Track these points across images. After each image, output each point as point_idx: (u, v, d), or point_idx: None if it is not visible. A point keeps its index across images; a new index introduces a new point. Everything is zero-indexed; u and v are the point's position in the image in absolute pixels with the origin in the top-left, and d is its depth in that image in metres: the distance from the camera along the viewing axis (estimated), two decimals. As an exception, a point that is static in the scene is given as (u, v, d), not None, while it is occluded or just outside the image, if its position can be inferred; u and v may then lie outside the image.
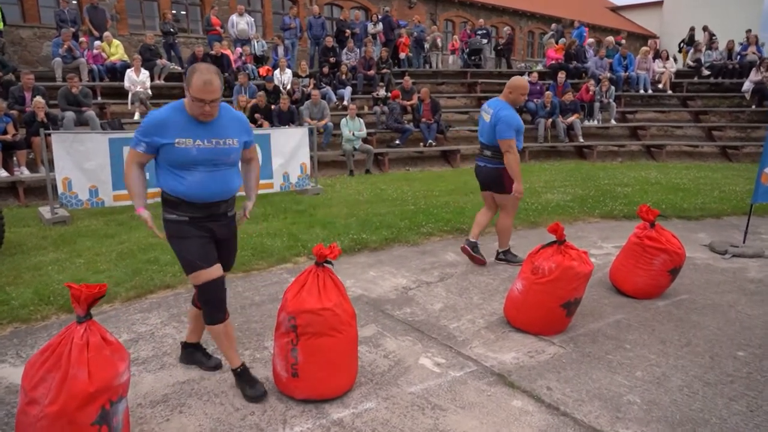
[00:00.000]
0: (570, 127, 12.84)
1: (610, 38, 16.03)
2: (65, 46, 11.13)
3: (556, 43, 16.11)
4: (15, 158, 8.07)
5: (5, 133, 7.99)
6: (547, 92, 12.95)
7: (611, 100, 13.54)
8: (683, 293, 4.43)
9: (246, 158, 3.01)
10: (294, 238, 5.76)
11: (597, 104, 13.46)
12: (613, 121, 13.76)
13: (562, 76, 13.54)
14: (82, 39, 11.86)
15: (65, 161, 6.29)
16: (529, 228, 6.58)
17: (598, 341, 3.56)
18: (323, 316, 2.72)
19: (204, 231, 2.73)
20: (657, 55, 15.60)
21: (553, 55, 15.89)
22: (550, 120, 12.69)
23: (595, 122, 13.53)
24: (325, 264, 2.86)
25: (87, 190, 6.50)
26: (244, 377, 2.87)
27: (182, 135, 2.60)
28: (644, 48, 15.44)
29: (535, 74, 13.87)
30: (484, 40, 16.51)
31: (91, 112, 9.30)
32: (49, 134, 6.42)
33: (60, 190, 6.37)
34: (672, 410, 2.79)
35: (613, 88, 13.73)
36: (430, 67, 17.17)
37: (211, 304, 2.76)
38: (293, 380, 2.79)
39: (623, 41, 16.80)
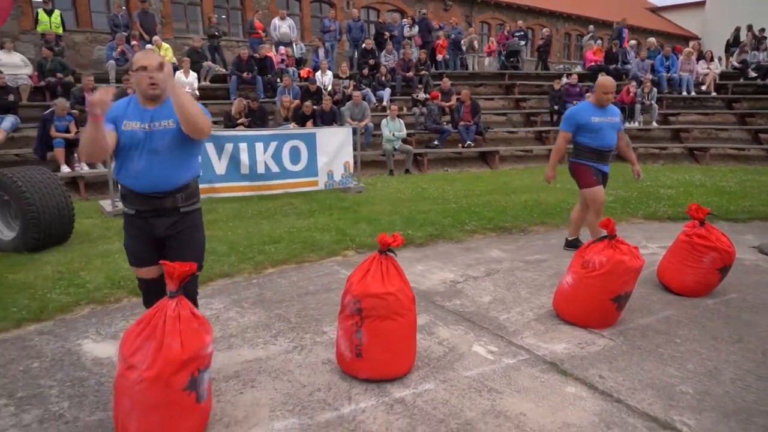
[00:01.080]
0: (610, 129, 12.72)
1: (652, 39, 15.81)
2: (119, 50, 11.63)
3: (595, 44, 15.95)
4: (76, 155, 8.50)
5: (67, 131, 8.44)
6: (588, 94, 12.85)
7: (653, 102, 13.38)
8: (732, 292, 4.44)
9: None
10: (342, 233, 5.95)
11: (638, 106, 13.32)
12: (654, 123, 13.58)
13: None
14: (133, 43, 12.36)
15: (126, 157, 6.62)
16: (572, 227, 6.60)
17: (647, 335, 3.63)
18: (387, 300, 2.88)
19: (145, 229, 2.77)
20: (700, 56, 15.32)
21: (592, 57, 15.77)
22: (590, 122, 12.60)
23: (636, 124, 13.39)
24: (387, 252, 3.02)
25: (145, 185, 6.83)
26: None
27: (130, 118, 2.65)
28: (687, 49, 15.20)
29: (575, 76, 13.81)
30: (522, 42, 16.48)
31: (144, 112, 9.69)
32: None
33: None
34: (725, 401, 2.85)
35: (655, 89, 13.56)
36: (466, 69, 17.24)
37: (143, 294, 3.00)
38: (357, 360, 2.96)
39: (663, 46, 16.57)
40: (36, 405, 2.78)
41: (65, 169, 8.25)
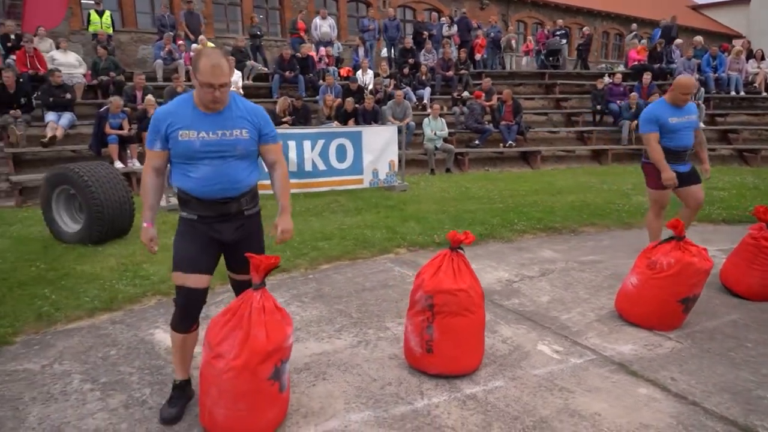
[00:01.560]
0: (655, 130, 12.45)
1: (699, 38, 15.40)
2: (166, 49, 11.91)
3: (639, 43, 15.62)
4: (128, 151, 8.75)
5: (121, 127, 8.70)
6: (632, 93, 12.64)
7: (700, 102, 13.03)
8: (800, 297, 4.31)
9: (268, 162, 2.68)
10: (392, 231, 5.99)
11: (684, 106, 12.97)
12: (701, 124, 13.17)
13: (647, 77, 13.16)
14: (179, 42, 12.65)
15: (180, 154, 6.79)
16: (624, 229, 6.51)
17: (716, 339, 3.56)
18: (459, 297, 2.90)
19: (207, 235, 2.56)
20: (750, 54, 14.86)
21: (635, 56, 15.44)
22: (635, 122, 12.35)
23: (682, 125, 13.04)
24: (458, 249, 3.04)
25: (197, 181, 6.99)
26: (173, 392, 2.69)
27: (188, 127, 2.44)
28: (737, 48, 14.75)
29: (619, 75, 13.57)
30: (563, 41, 16.26)
31: (191, 110, 9.93)
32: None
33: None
34: (806, 407, 2.78)
35: (702, 89, 13.21)
36: (503, 68, 17.10)
37: (178, 308, 2.60)
38: (427, 356, 2.98)
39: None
40: (119, 390, 2.89)
41: (118, 164, 8.49)
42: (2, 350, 3.36)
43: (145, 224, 2.60)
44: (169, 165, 2.59)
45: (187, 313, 2.59)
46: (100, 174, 5.39)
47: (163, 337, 3.54)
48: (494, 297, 4.26)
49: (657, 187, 4.84)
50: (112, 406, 2.74)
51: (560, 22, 17.73)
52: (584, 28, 17.30)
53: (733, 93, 14.35)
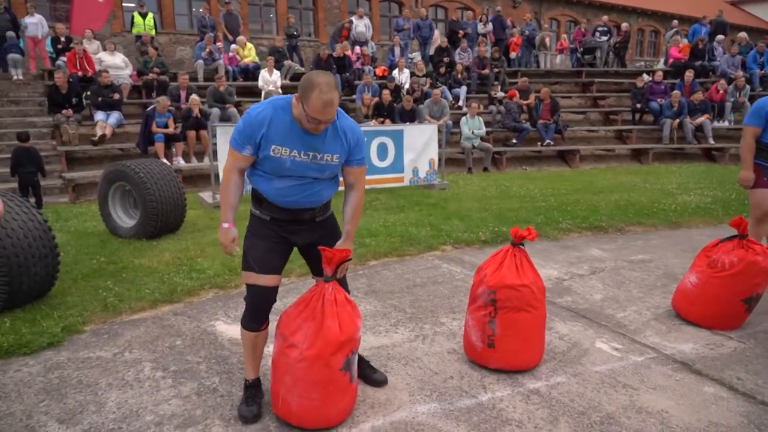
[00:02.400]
0: (698, 129, 12.20)
1: (743, 34, 14.98)
2: (207, 50, 12.16)
3: (682, 40, 15.27)
4: (173, 149, 8.98)
5: (166, 126, 8.93)
6: (675, 92, 12.38)
7: (746, 100, 12.69)
8: None
9: (348, 182, 2.62)
10: (436, 229, 6.02)
11: (728, 104, 12.67)
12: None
13: (689, 74, 12.88)
14: (218, 44, 12.89)
15: (227, 152, 6.94)
16: (671, 228, 6.41)
17: (780, 339, 3.49)
18: (522, 292, 2.92)
19: (281, 236, 2.55)
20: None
21: (677, 54, 15.11)
22: (677, 120, 12.12)
23: (726, 123, 12.75)
24: (520, 245, 3.05)
25: (242, 179, 7.14)
26: (248, 392, 2.69)
27: (281, 143, 2.36)
28: (784, 44, 14.30)
29: (660, 73, 13.30)
30: (604, 38, 15.99)
31: (233, 109, 10.15)
32: (214, 126, 7.12)
33: (221, 177, 7.04)
34: None
35: (748, 87, 12.86)
36: (538, 66, 16.93)
37: (250, 308, 2.58)
38: (488, 350, 3.00)
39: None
40: (189, 379, 2.99)
41: (164, 161, 8.71)
42: (74, 339, 3.50)
43: (226, 224, 2.51)
44: None
45: (258, 311, 2.58)
46: (155, 171, 5.56)
47: (225, 328, 3.64)
48: (546, 295, 4.22)
49: (761, 186, 4.31)
50: (185, 393, 2.84)
51: (605, 18, 17.39)
52: (623, 25, 16.95)
53: (780, 90, 13.93)
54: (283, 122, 2.37)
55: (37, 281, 3.85)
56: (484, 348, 3.02)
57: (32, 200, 7.14)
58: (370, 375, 2.92)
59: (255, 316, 2.59)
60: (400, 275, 4.72)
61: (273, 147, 2.36)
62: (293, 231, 2.57)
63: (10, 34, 10.90)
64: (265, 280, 2.53)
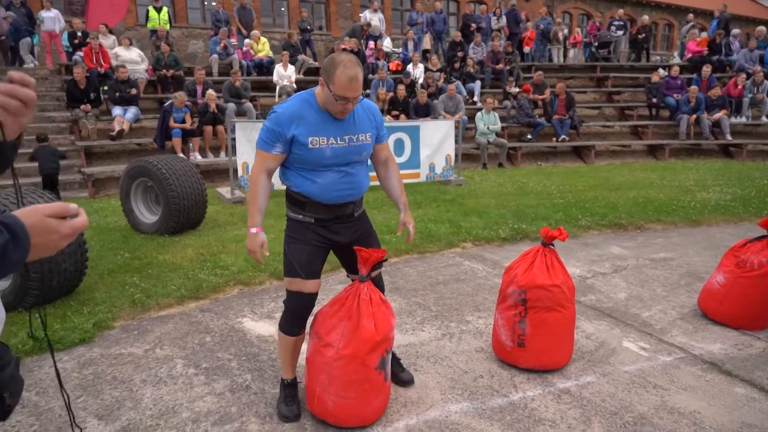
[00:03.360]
0: (715, 124, 12.09)
1: (762, 28, 14.78)
2: (221, 44, 12.18)
3: (700, 34, 15.08)
4: (190, 144, 9.03)
5: (183, 121, 8.98)
6: (693, 87, 12.27)
7: (765, 96, 12.55)
8: None
9: (381, 158, 2.67)
10: (455, 225, 6.02)
11: (746, 100, 12.54)
12: (764, 118, 12.74)
13: (707, 69, 12.75)
14: (232, 40, 12.90)
15: (245, 147, 6.99)
16: (692, 226, 6.37)
17: (809, 340, 3.48)
18: (552, 292, 2.92)
19: (325, 237, 2.52)
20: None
21: (694, 48, 14.96)
22: (694, 116, 12.02)
23: (744, 119, 12.62)
24: (550, 245, 3.06)
25: (260, 175, 7.17)
26: (287, 391, 2.68)
27: (316, 133, 2.33)
28: (803, 38, 14.11)
29: (676, 68, 13.18)
30: (620, 32, 15.83)
31: (249, 104, 10.18)
32: (234, 123, 7.15)
33: (239, 173, 7.09)
34: None
35: (766, 82, 12.71)
36: (550, 60, 16.82)
37: (292, 314, 2.55)
38: (518, 350, 3.02)
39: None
40: (222, 376, 3.02)
41: (186, 158, 8.77)
42: (104, 335, 3.55)
43: (254, 229, 2.42)
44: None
45: (300, 317, 2.57)
46: (177, 167, 5.60)
47: (252, 325, 3.68)
48: (570, 293, 4.25)
49: None
50: (219, 390, 2.88)
51: (620, 11, 17.20)
52: (643, 17, 16.69)
53: (798, 85, 13.74)
54: (313, 113, 2.36)
55: (66, 277, 3.90)
56: (514, 347, 3.03)
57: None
58: (397, 373, 2.94)
59: (297, 321, 2.59)
60: (423, 273, 4.73)
61: (311, 139, 2.34)
62: (336, 230, 2.56)
63: None
64: (310, 286, 2.51)
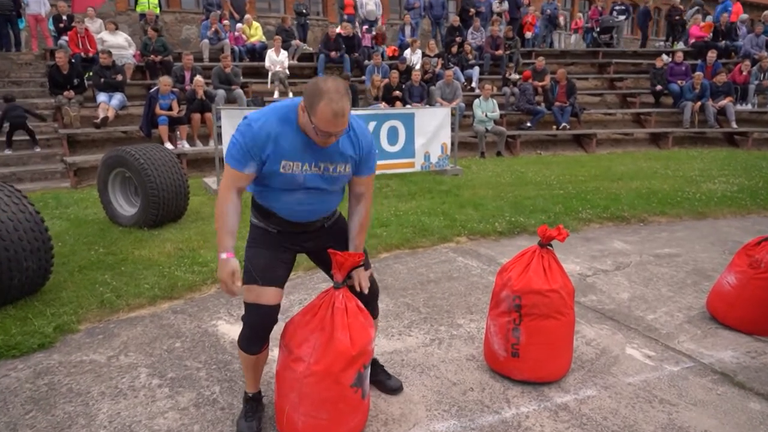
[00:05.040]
0: (720, 112, 11.76)
1: (768, 13, 14.40)
2: (212, 29, 11.81)
3: (704, 19, 14.68)
4: (178, 132, 8.72)
5: (170, 108, 8.66)
6: (697, 73, 11.92)
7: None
8: None
9: (356, 192, 2.36)
10: (450, 218, 5.75)
11: (752, 87, 12.20)
12: (770, 106, 12.42)
13: (712, 55, 12.41)
14: (224, 22, 12.54)
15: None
16: (697, 219, 6.10)
17: (827, 347, 3.22)
18: (550, 298, 2.66)
19: (288, 246, 2.35)
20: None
21: (698, 33, 14.57)
22: (699, 103, 11.68)
23: (749, 106, 12.29)
24: (548, 246, 2.78)
25: (248, 164, 6.88)
26: (248, 406, 2.45)
27: (290, 158, 2.10)
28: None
29: (680, 54, 12.81)
30: (622, 17, 15.42)
31: (239, 91, 9.85)
32: (218, 110, 6.84)
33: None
34: None
35: (771, 68, 12.38)
36: (551, 46, 16.42)
37: (251, 329, 2.28)
38: (512, 360, 2.75)
39: None
40: (188, 387, 2.76)
41: (168, 146, 8.46)
42: (67, 339, 3.29)
43: (224, 255, 2.13)
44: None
45: (258, 333, 2.28)
46: (156, 157, 5.31)
47: (227, 329, 3.42)
48: (569, 293, 3.99)
49: None
50: (182, 404, 2.62)
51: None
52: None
53: (805, 72, 13.38)
54: (291, 134, 2.09)
55: (29, 276, 3.62)
56: (508, 357, 2.77)
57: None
58: (384, 381, 2.70)
59: (257, 339, 2.30)
60: (413, 269, 4.47)
61: (283, 163, 2.10)
62: (303, 239, 2.37)
63: None
64: (269, 295, 2.22)
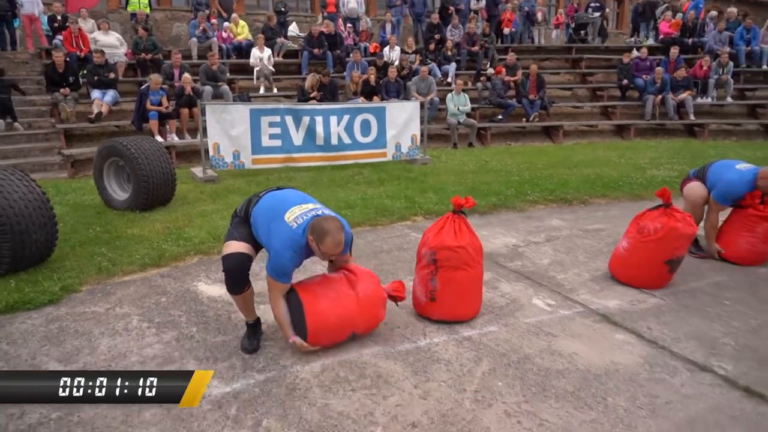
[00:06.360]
0: (680, 105, 12.49)
1: (733, 9, 15.10)
2: (200, 28, 12.42)
3: (674, 17, 15.33)
4: (167, 126, 9.35)
5: (160, 104, 9.29)
6: (658, 68, 12.64)
7: (729, 77, 12.93)
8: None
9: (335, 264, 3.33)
10: (410, 201, 6.43)
11: (711, 81, 12.92)
12: (729, 99, 13.15)
13: (674, 51, 13.10)
14: (212, 21, 13.12)
15: (215, 128, 7.34)
16: (634, 200, 6.79)
17: (697, 297, 3.93)
18: (458, 253, 3.34)
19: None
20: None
21: (666, 29, 15.25)
22: (660, 97, 12.41)
23: (709, 100, 13.02)
24: (460, 212, 3.47)
25: (231, 154, 7.53)
26: (249, 330, 3.22)
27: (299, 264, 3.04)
28: (770, 20, 14.45)
29: (645, 50, 13.51)
30: (597, 14, 16.07)
31: (225, 87, 10.49)
32: (204, 105, 7.49)
33: (210, 153, 7.45)
34: (764, 352, 3.15)
35: (731, 63, 13.09)
36: (533, 42, 17.07)
37: (227, 273, 3.02)
38: (430, 304, 3.45)
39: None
40: (171, 328, 3.44)
41: (158, 138, 9.09)
42: (71, 297, 3.95)
43: (291, 339, 3.03)
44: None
45: (234, 276, 3.01)
46: (146, 147, 5.95)
47: (205, 288, 4.09)
48: (499, 259, 4.69)
49: None
50: (166, 339, 3.30)
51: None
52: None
53: (765, 67, 14.12)
54: (302, 253, 2.95)
55: (38, 247, 4.28)
56: (427, 302, 3.46)
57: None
58: None
59: (235, 281, 3.04)
60: (370, 242, 5.15)
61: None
62: None
63: None
64: (237, 245, 3.02)
